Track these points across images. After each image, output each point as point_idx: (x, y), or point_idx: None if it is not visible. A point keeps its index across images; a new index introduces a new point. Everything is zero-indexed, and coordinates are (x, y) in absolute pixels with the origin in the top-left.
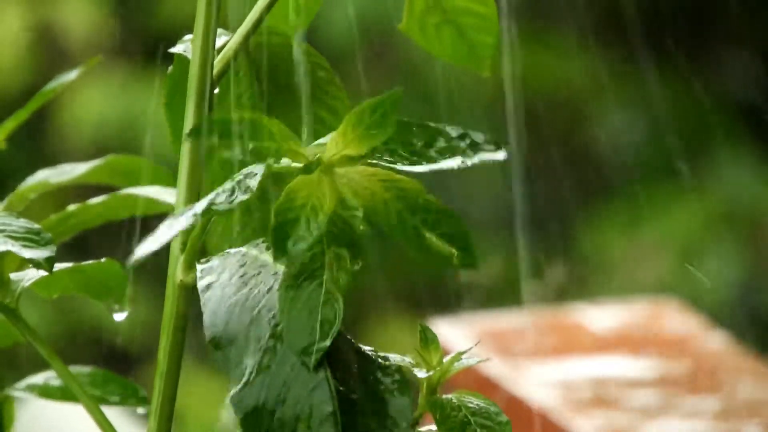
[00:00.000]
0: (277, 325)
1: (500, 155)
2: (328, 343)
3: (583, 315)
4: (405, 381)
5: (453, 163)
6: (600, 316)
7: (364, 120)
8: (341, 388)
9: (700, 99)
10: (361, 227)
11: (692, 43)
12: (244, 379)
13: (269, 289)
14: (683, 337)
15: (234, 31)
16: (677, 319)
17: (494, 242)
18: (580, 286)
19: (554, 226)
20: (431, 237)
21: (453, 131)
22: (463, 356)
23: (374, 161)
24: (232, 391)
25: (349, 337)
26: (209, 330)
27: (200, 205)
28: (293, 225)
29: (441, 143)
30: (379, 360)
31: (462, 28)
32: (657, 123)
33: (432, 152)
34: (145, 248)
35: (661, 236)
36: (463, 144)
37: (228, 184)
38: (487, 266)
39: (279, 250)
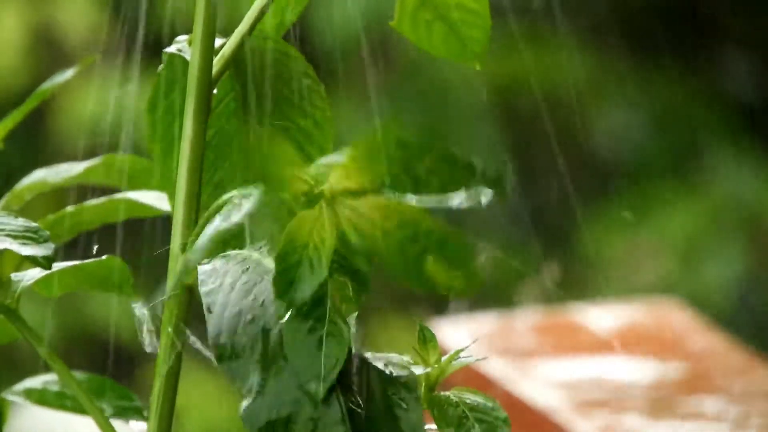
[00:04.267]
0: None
1: (504, 190)
2: (333, 377)
3: (583, 315)
4: (416, 395)
5: (456, 199)
6: (600, 316)
7: (366, 153)
8: (352, 407)
9: (700, 98)
10: (362, 264)
11: (692, 42)
12: (254, 395)
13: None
14: (683, 337)
15: (229, 33)
16: (677, 319)
17: (494, 242)
18: (580, 286)
19: (554, 226)
20: (433, 264)
21: (459, 156)
22: (461, 354)
23: (377, 191)
24: (244, 406)
25: (357, 350)
26: (214, 340)
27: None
28: (296, 269)
29: (445, 172)
30: (389, 372)
31: (453, 24)
32: (657, 122)
33: (436, 181)
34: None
35: (661, 236)
36: (468, 174)
37: (227, 207)
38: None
39: (283, 297)
